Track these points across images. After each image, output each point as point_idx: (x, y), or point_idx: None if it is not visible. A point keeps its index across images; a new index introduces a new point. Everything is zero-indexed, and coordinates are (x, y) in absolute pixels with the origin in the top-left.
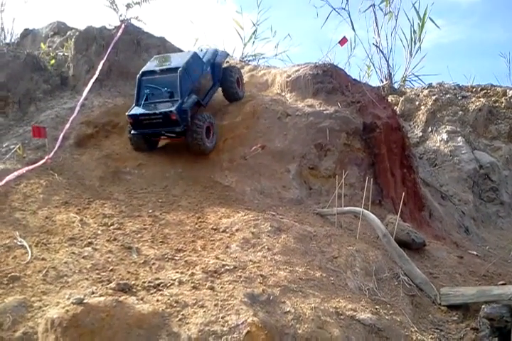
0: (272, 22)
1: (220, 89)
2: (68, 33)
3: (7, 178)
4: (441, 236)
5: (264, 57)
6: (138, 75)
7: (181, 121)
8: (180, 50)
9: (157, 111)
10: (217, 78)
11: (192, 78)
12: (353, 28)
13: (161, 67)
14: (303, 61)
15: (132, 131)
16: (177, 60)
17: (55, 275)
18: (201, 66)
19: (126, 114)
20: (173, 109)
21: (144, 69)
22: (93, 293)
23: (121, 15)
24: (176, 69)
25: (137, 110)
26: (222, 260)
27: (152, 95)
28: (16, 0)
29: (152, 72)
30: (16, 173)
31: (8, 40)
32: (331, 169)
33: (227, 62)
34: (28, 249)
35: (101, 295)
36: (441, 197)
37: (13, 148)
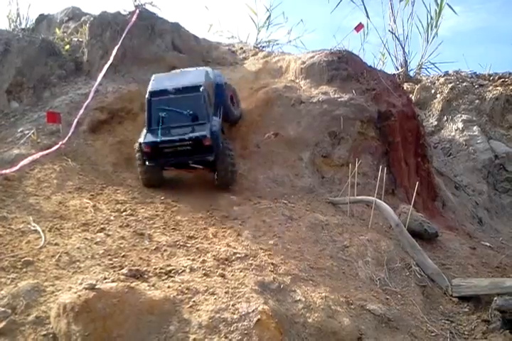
0: (284, 8)
1: None
2: (83, 19)
3: (21, 163)
4: (454, 226)
5: (278, 44)
6: (147, 96)
7: (214, 147)
8: (195, 37)
9: (186, 137)
10: (221, 100)
11: (209, 98)
12: (367, 15)
13: (175, 86)
14: (317, 48)
15: (147, 163)
16: (190, 78)
17: (68, 260)
18: (212, 86)
19: (141, 141)
20: (206, 133)
21: (152, 88)
22: (105, 278)
23: (135, 1)
24: (195, 87)
25: (155, 137)
26: (234, 248)
27: (169, 119)
28: None
29: (164, 92)
30: (30, 158)
31: (23, 26)
32: (344, 157)
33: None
34: (42, 234)
35: (113, 281)
36: (454, 187)
37: (28, 133)
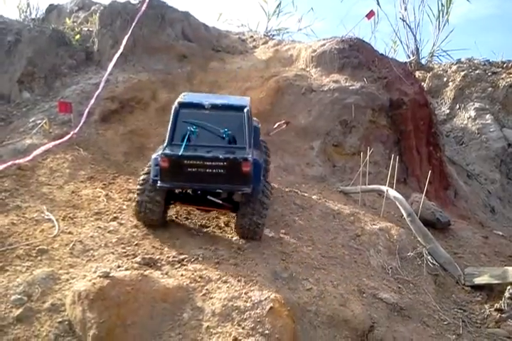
0: None
1: None
2: (93, 8)
3: (34, 153)
4: (466, 215)
5: (288, 32)
6: (175, 105)
7: (254, 178)
8: (205, 25)
9: (220, 156)
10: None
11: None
12: (378, 3)
13: (212, 102)
14: (327, 36)
15: (159, 183)
16: (231, 99)
17: (82, 248)
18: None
19: (160, 152)
20: (248, 156)
21: (183, 100)
22: (119, 266)
23: None
24: (238, 107)
25: (177, 150)
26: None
27: (198, 136)
28: None
29: (197, 106)
30: (42, 148)
31: (33, 16)
32: (355, 146)
33: None
34: (55, 222)
35: (126, 269)
36: (467, 176)
37: (40, 123)
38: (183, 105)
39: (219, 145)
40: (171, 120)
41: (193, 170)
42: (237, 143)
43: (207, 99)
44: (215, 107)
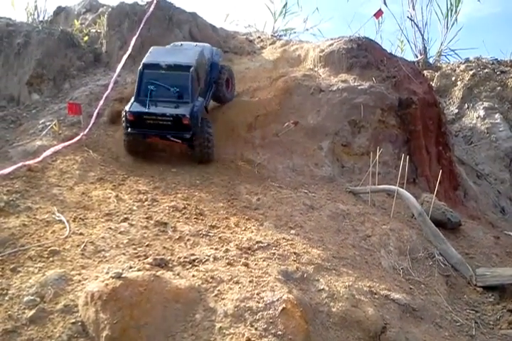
0: None
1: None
2: (100, 10)
3: (44, 154)
4: (476, 216)
5: (295, 32)
6: (140, 67)
7: (192, 126)
8: (213, 26)
9: (167, 113)
10: (214, 79)
11: (199, 78)
12: (385, 2)
13: (167, 63)
14: (334, 36)
15: (129, 130)
16: (184, 56)
17: (93, 249)
18: (205, 65)
19: (127, 109)
20: (186, 113)
21: (147, 61)
22: (131, 267)
23: None
24: (186, 67)
25: (140, 107)
26: (256, 237)
27: (156, 92)
28: None
29: (156, 66)
30: (52, 149)
31: (41, 18)
32: (364, 146)
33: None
34: (66, 223)
35: (139, 270)
36: (476, 176)
37: (49, 124)
38: (146, 66)
39: (171, 100)
40: (137, 79)
41: (150, 122)
42: (183, 98)
43: (166, 56)
44: (169, 67)
